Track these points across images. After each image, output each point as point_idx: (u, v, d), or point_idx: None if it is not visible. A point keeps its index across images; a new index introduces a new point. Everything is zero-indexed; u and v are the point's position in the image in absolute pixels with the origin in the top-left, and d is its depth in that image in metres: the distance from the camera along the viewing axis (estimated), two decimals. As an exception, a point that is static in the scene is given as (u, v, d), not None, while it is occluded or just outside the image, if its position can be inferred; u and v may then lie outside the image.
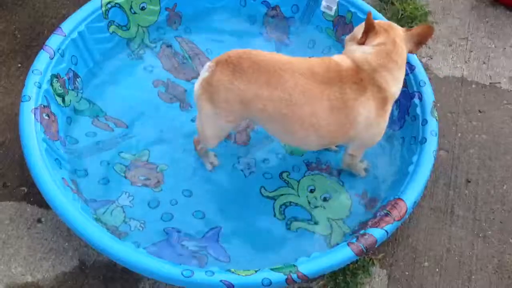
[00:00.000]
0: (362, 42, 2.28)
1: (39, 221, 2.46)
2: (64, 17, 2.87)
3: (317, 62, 2.24)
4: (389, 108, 2.29)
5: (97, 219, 2.35)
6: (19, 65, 2.99)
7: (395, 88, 2.26)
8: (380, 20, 2.50)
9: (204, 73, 2.25)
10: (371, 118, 2.23)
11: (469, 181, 2.73)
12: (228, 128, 2.40)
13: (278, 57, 2.23)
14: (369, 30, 2.26)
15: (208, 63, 2.26)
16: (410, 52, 2.33)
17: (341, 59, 2.26)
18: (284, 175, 2.67)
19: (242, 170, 2.67)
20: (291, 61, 2.22)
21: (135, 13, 3.03)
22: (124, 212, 2.48)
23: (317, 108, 2.17)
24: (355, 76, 2.20)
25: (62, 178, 2.37)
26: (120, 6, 2.94)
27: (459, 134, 2.90)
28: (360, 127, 2.25)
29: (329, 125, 2.20)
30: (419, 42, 2.31)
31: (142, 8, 3.05)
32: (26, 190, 2.54)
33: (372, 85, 2.20)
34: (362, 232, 2.24)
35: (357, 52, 2.26)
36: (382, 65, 2.21)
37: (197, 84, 2.28)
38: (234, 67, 2.17)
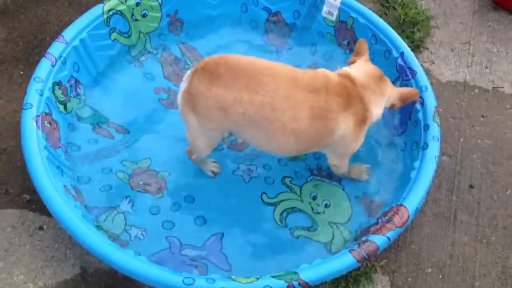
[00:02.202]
0: (352, 62, 2.42)
1: (40, 228, 2.46)
2: (66, 25, 2.88)
3: (301, 71, 2.29)
4: (365, 128, 2.34)
5: (98, 227, 2.35)
6: (21, 72, 3.00)
7: (376, 111, 2.34)
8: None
9: (183, 85, 2.27)
10: (347, 132, 2.28)
11: (472, 187, 2.71)
12: (216, 136, 2.39)
13: (257, 61, 2.24)
14: (360, 53, 2.43)
15: (187, 73, 2.28)
16: (391, 106, 2.42)
17: (329, 73, 2.31)
18: (287, 180, 2.67)
19: (242, 176, 2.67)
20: (271, 66, 2.24)
21: (136, 20, 3.03)
22: (125, 218, 2.47)
23: (300, 113, 2.18)
24: (342, 90, 2.24)
25: (64, 185, 2.37)
26: (121, 13, 2.96)
27: (462, 140, 2.88)
28: (336, 138, 2.29)
29: (309, 131, 2.23)
30: (405, 99, 2.42)
31: (144, 15, 3.06)
32: (28, 198, 2.55)
33: (358, 102, 2.26)
34: (364, 238, 2.23)
35: (349, 69, 2.35)
36: (370, 85, 2.30)
37: (179, 96, 2.30)
38: (211, 74, 2.17)
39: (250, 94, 2.15)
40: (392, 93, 2.39)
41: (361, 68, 2.36)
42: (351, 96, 2.25)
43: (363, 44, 2.47)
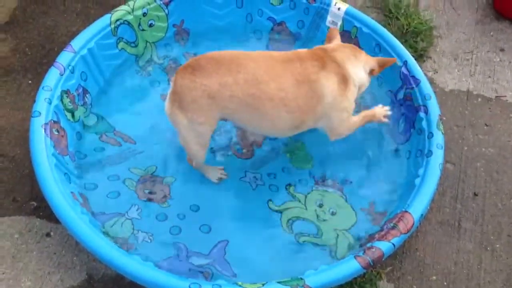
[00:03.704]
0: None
1: (48, 235, 2.48)
2: (74, 35, 2.92)
3: (273, 51, 2.48)
4: (351, 88, 2.44)
5: (105, 233, 2.37)
6: (30, 81, 3.04)
7: (355, 72, 2.46)
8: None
9: (169, 90, 2.37)
10: (335, 94, 2.38)
11: (476, 195, 2.73)
12: (205, 132, 2.43)
13: (233, 51, 2.42)
14: (331, 38, 2.63)
15: (171, 83, 2.38)
16: (372, 72, 2.55)
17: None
18: (291, 189, 2.68)
19: (249, 183, 2.68)
20: (248, 52, 2.42)
21: (143, 30, 3.08)
22: (132, 224, 2.49)
23: (283, 82, 2.30)
24: (314, 55, 2.41)
25: (71, 192, 2.39)
26: (128, 23, 3.00)
27: (466, 148, 2.90)
28: (326, 102, 2.38)
29: (297, 98, 2.32)
30: (382, 63, 2.56)
31: (150, 25, 3.10)
32: (35, 205, 2.57)
33: (331, 61, 2.40)
34: (369, 245, 2.24)
35: None
36: (340, 49, 2.49)
37: (166, 102, 2.39)
38: (193, 68, 2.29)
39: (233, 76, 2.26)
40: (367, 59, 2.54)
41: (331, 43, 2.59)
42: (323, 58, 2.40)
43: (333, 31, 2.67)
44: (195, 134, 2.40)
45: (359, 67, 2.49)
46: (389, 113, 2.71)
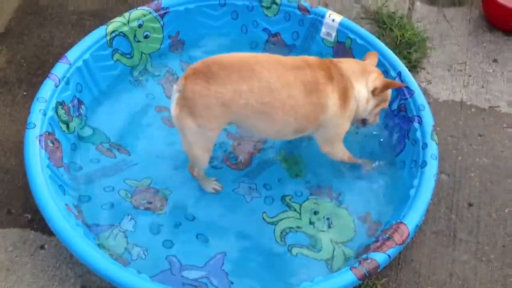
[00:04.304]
0: None
1: (42, 247, 2.47)
2: (69, 46, 2.92)
3: (280, 56, 2.44)
4: (351, 104, 2.45)
5: (100, 245, 2.36)
6: (25, 93, 3.04)
7: (358, 86, 2.47)
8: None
9: (175, 95, 2.34)
10: (336, 108, 2.41)
11: (471, 205, 2.74)
12: (213, 138, 2.44)
13: (239, 55, 2.38)
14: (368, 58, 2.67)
15: (175, 86, 2.35)
16: (374, 90, 2.52)
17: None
18: (287, 199, 2.69)
19: (244, 195, 2.69)
20: (254, 55, 2.41)
21: (139, 41, 3.09)
22: (126, 237, 2.49)
23: (294, 89, 2.32)
24: (321, 64, 2.42)
25: (66, 204, 2.38)
26: (124, 34, 3.01)
27: (460, 158, 2.92)
28: (328, 113, 2.40)
29: (305, 106, 2.35)
30: (387, 83, 2.55)
31: (146, 37, 3.11)
32: (30, 217, 2.56)
33: (337, 73, 2.42)
34: (364, 256, 2.24)
35: None
36: (347, 61, 2.53)
37: (173, 107, 2.35)
38: (205, 74, 2.25)
39: (247, 84, 2.26)
40: (376, 75, 2.52)
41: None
42: (330, 68, 2.42)
43: (371, 54, 2.70)
44: (203, 139, 2.40)
45: (363, 82, 2.49)
46: (372, 170, 2.78)
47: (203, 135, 2.37)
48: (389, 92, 2.62)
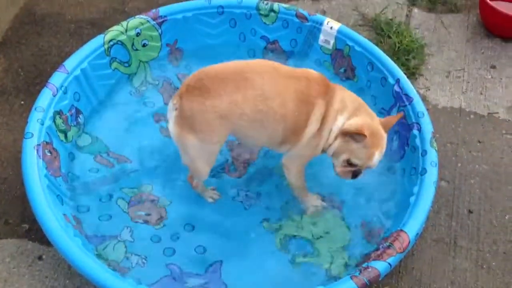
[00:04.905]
0: None
1: (40, 258, 2.45)
2: (67, 55, 2.92)
3: (277, 63, 2.40)
4: (326, 127, 2.35)
5: (99, 255, 2.34)
6: (22, 102, 3.03)
7: (339, 113, 2.34)
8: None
9: (172, 113, 2.31)
10: (316, 126, 2.34)
11: (471, 212, 2.72)
12: (216, 151, 2.42)
13: (232, 64, 2.34)
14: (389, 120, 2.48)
15: (170, 104, 2.33)
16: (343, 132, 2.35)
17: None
18: (286, 206, 2.67)
19: (242, 202, 2.67)
20: (248, 63, 2.38)
21: (136, 49, 3.08)
22: (125, 246, 2.47)
23: (286, 98, 2.28)
24: (323, 82, 2.37)
25: (64, 214, 2.36)
26: (122, 43, 3.00)
27: (459, 165, 2.91)
28: (308, 130, 2.34)
29: (293, 116, 2.30)
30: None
31: (144, 45, 3.11)
32: (27, 227, 2.54)
33: (332, 94, 2.34)
34: (365, 265, 2.22)
35: None
36: (347, 92, 2.42)
37: (171, 125, 2.33)
38: (199, 90, 2.24)
39: (242, 93, 2.24)
40: (361, 120, 2.30)
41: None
42: (328, 87, 2.36)
43: (394, 118, 2.46)
44: (205, 153, 2.39)
45: (342, 121, 2.33)
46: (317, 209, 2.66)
47: (205, 149, 2.35)
48: (358, 151, 2.29)
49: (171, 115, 2.32)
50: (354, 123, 2.30)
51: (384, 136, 2.36)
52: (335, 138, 2.36)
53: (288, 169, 2.55)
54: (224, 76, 2.25)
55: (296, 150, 2.45)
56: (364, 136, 2.24)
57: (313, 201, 2.65)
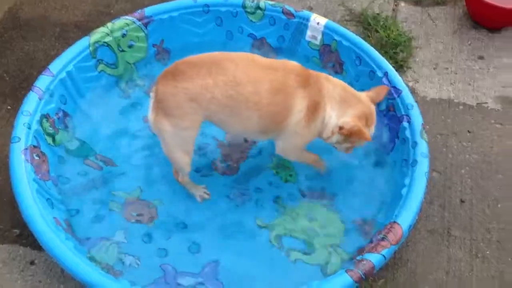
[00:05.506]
0: None
1: (32, 263, 2.42)
2: (53, 59, 2.88)
3: (259, 56, 2.43)
4: (317, 121, 2.40)
5: (91, 258, 2.31)
6: (9, 107, 3.00)
7: (328, 111, 2.40)
8: None
9: (150, 100, 2.37)
10: (301, 116, 2.36)
11: (463, 202, 2.73)
12: (190, 137, 2.42)
13: (213, 53, 2.38)
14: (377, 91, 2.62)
15: (151, 93, 2.38)
16: (341, 129, 2.42)
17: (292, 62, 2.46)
18: (279, 200, 2.66)
19: (235, 201, 2.66)
20: (230, 53, 2.40)
21: (123, 51, 3.06)
22: (118, 247, 2.44)
23: (260, 87, 2.30)
24: (302, 71, 2.39)
25: (54, 218, 2.34)
26: (108, 44, 2.98)
27: (450, 155, 2.91)
28: (292, 120, 2.36)
29: (269, 105, 2.31)
30: (351, 133, 2.41)
31: (130, 46, 3.08)
32: (18, 232, 2.51)
33: (314, 84, 2.37)
34: (359, 257, 2.22)
35: None
36: (334, 81, 2.46)
37: (149, 112, 2.38)
38: (173, 74, 2.29)
39: (213, 78, 2.27)
40: (352, 114, 2.40)
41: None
42: (309, 77, 2.38)
43: (383, 89, 2.63)
44: (180, 140, 2.39)
45: (337, 109, 2.41)
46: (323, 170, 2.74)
47: (179, 135, 2.36)
48: (360, 141, 2.47)
49: (150, 103, 2.37)
50: (350, 121, 2.39)
51: (374, 110, 2.51)
52: (332, 132, 2.43)
53: (286, 156, 2.63)
54: (200, 62, 2.30)
55: (284, 139, 2.47)
56: (368, 139, 2.40)
57: (318, 161, 2.70)
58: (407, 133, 2.66)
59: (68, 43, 3.13)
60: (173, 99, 2.27)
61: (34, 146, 2.52)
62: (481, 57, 3.39)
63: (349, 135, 2.41)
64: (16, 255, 2.44)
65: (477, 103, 3.16)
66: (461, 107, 3.14)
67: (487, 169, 2.86)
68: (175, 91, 2.26)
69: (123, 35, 3.03)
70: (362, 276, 2.14)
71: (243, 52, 2.46)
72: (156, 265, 2.39)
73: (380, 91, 2.59)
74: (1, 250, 2.45)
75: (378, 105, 2.90)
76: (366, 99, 2.50)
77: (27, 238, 2.47)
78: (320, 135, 2.50)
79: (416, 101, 2.84)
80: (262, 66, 2.36)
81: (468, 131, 3.02)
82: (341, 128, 2.41)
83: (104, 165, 2.75)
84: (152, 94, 2.37)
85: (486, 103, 3.16)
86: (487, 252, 2.56)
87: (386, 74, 2.88)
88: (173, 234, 2.52)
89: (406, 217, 2.34)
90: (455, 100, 3.17)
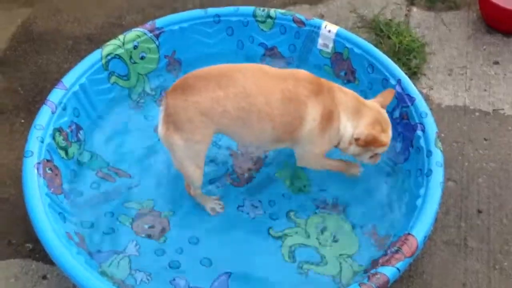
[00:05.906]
0: None
1: (44, 277, 2.43)
2: (66, 71, 2.90)
3: (268, 66, 2.44)
4: (332, 128, 2.39)
5: (103, 273, 2.31)
6: (22, 120, 3.03)
7: (344, 118, 2.41)
8: None
9: (160, 114, 2.36)
10: (315, 125, 2.36)
11: (480, 211, 2.67)
12: (201, 151, 2.40)
13: (222, 65, 2.39)
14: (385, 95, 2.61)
15: (160, 107, 2.38)
16: (357, 141, 2.45)
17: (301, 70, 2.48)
18: (291, 214, 2.64)
19: (248, 213, 2.64)
20: (238, 65, 2.42)
21: (135, 62, 3.07)
22: (130, 262, 2.44)
23: (271, 98, 2.30)
24: (314, 79, 2.39)
25: (66, 232, 2.34)
26: (119, 56, 2.99)
27: (466, 164, 2.86)
28: (305, 128, 2.37)
29: (282, 115, 2.32)
30: (368, 143, 2.43)
31: (142, 58, 3.09)
32: (31, 247, 2.52)
33: (328, 93, 2.38)
34: (373, 271, 2.18)
35: None
36: (346, 91, 2.46)
37: (159, 127, 2.37)
38: (182, 88, 2.29)
39: (223, 90, 2.26)
40: (366, 122, 2.41)
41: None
42: (322, 85, 2.38)
43: (389, 93, 2.62)
44: (191, 154, 2.38)
45: (351, 118, 2.43)
46: (359, 173, 2.71)
47: (190, 149, 2.35)
48: (380, 148, 2.47)
49: (160, 117, 2.36)
50: (364, 130, 2.40)
51: (385, 113, 2.51)
52: (349, 143, 2.45)
53: (309, 166, 2.64)
54: (208, 75, 2.30)
55: (301, 148, 2.46)
56: (385, 144, 2.42)
57: (354, 168, 2.68)
58: (421, 142, 2.62)
59: (81, 56, 3.16)
60: (184, 113, 2.27)
61: (47, 160, 2.53)
62: (496, 62, 3.33)
63: (366, 145, 2.41)
64: (29, 269, 2.45)
65: (493, 110, 3.10)
66: (477, 113, 3.08)
67: (505, 178, 2.80)
68: (186, 105, 2.26)
69: (135, 47, 3.04)
70: (376, 290, 2.11)
71: (250, 63, 2.46)
72: (167, 281, 2.38)
73: (386, 95, 2.59)
74: (13, 264, 2.47)
75: (391, 113, 2.87)
76: (375, 105, 2.50)
77: (39, 252, 2.48)
78: (338, 146, 2.50)
79: (431, 108, 2.79)
80: (271, 76, 2.35)
81: (485, 139, 2.96)
82: (357, 139, 2.42)
83: (117, 177, 2.75)
84: (161, 108, 2.36)
85: (503, 109, 3.10)
86: (505, 264, 2.50)
87: (399, 81, 2.84)
88: (185, 248, 2.51)
89: (421, 229, 2.29)
90: (470, 107, 3.11)
